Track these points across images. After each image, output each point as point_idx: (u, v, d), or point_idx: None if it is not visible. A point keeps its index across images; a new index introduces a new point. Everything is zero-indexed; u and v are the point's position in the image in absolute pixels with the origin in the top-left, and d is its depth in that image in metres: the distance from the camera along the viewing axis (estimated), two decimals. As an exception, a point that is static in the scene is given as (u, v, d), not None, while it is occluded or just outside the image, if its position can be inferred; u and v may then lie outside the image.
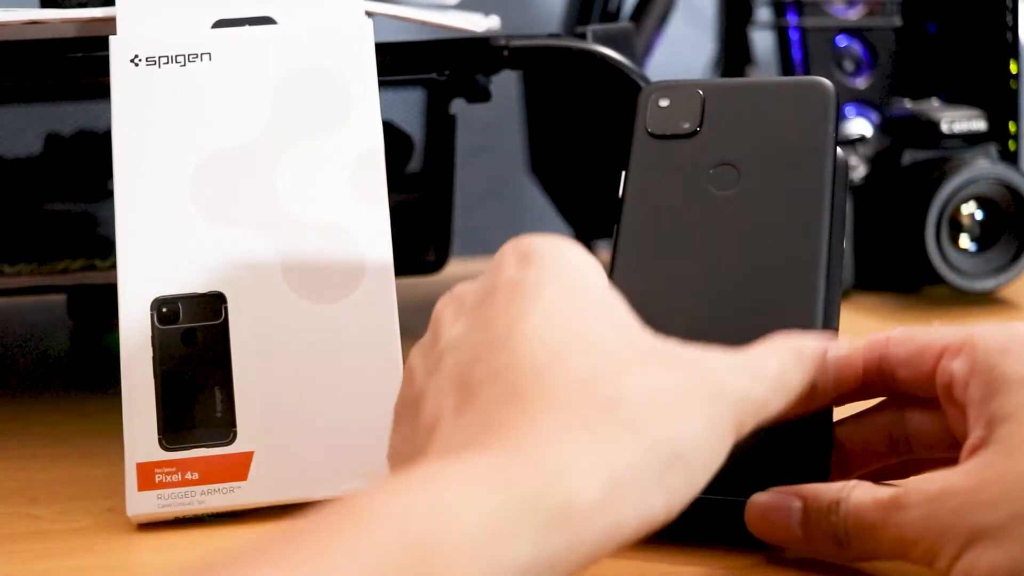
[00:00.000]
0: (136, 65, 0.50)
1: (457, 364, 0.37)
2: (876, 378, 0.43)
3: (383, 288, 0.49)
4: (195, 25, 0.51)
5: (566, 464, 0.32)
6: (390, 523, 0.30)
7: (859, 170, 0.81)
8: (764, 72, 0.93)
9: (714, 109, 0.48)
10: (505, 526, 0.31)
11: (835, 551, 0.40)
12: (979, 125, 0.79)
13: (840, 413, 0.45)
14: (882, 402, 0.44)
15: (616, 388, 0.35)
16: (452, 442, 0.35)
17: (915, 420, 0.43)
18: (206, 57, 0.51)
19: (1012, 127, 0.83)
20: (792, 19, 0.86)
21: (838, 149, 0.46)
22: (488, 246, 1.16)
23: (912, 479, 0.38)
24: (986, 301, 0.79)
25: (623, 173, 0.48)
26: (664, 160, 0.47)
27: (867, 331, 0.73)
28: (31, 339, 0.84)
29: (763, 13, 0.90)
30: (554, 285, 0.38)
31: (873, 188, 0.81)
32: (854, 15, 0.87)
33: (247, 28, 0.51)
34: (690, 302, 0.45)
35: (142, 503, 0.47)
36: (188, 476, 0.48)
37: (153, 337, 0.48)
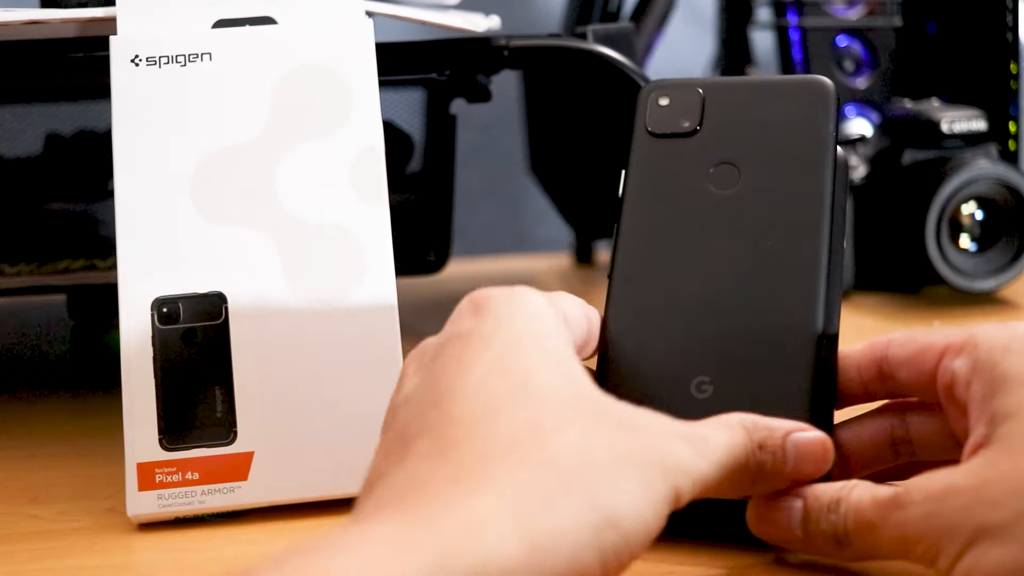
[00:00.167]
0: (136, 65, 0.50)
1: (404, 419, 0.37)
2: (877, 380, 0.43)
3: (383, 288, 0.49)
4: (195, 25, 0.51)
5: (482, 521, 0.32)
6: None
7: (859, 170, 0.81)
8: (764, 72, 0.93)
9: (714, 108, 0.48)
10: None
11: (835, 550, 0.40)
12: (979, 125, 0.79)
13: (842, 415, 0.45)
14: (884, 404, 0.44)
15: (553, 445, 0.34)
16: (374, 503, 0.34)
17: (916, 422, 0.43)
18: (206, 57, 0.51)
19: (1012, 127, 0.83)
20: (792, 19, 0.86)
21: (838, 148, 0.46)
22: (488, 246, 1.16)
23: (914, 478, 0.38)
24: (986, 301, 0.79)
25: (623, 172, 0.48)
26: (664, 159, 0.47)
27: (867, 331, 0.73)
28: (31, 339, 0.84)
29: (763, 13, 0.90)
30: (503, 336, 0.37)
31: (873, 188, 0.81)
32: (854, 15, 0.86)
33: (247, 28, 0.51)
34: (690, 302, 0.45)
35: (142, 503, 0.47)
36: (188, 476, 0.48)
37: (153, 337, 0.48)
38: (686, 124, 0.47)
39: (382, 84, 0.51)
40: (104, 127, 0.74)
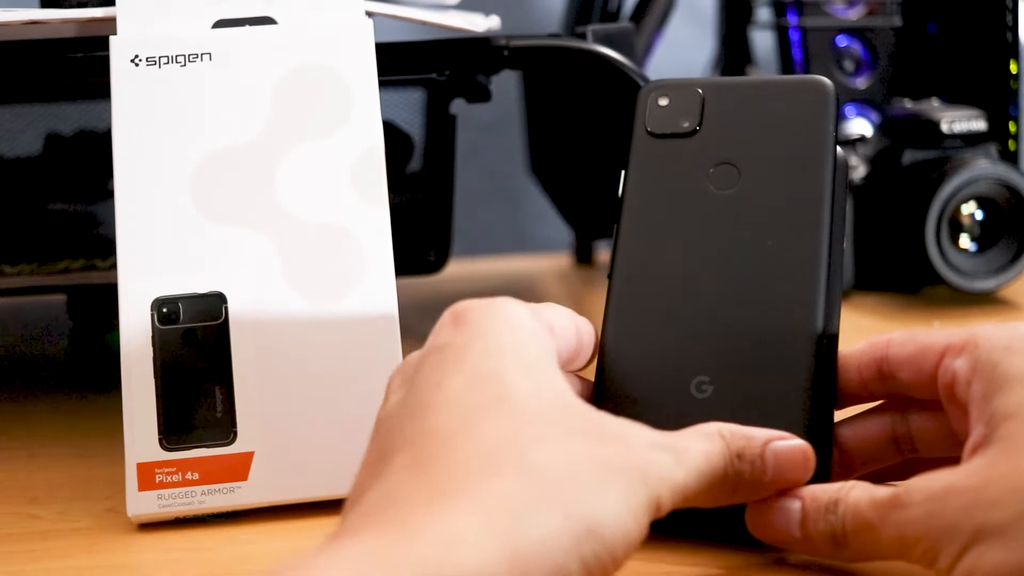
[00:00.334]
0: (136, 65, 0.50)
1: (384, 434, 0.37)
2: (877, 380, 0.43)
3: (383, 288, 0.49)
4: (195, 25, 0.51)
5: (462, 535, 0.32)
6: None
7: (859, 170, 0.81)
8: (764, 72, 0.93)
9: (714, 108, 0.47)
10: None
11: (833, 551, 0.40)
12: (979, 125, 0.79)
13: (843, 413, 0.45)
14: (884, 402, 0.44)
15: (531, 456, 0.34)
16: (353, 519, 0.34)
17: (918, 419, 0.43)
18: (206, 57, 0.51)
19: (1012, 127, 0.83)
20: (792, 19, 0.86)
21: (838, 148, 0.46)
22: (488, 246, 1.16)
23: (913, 478, 0.38)
24: (986, 301, 0.79)
25: (623, 173, 0.48)
26: (664, 159, 0.47)
27: (867, 331, 0.73)
28: (31, 339, 0.84)
29: (763, 13, 0.90)
30: (480, 348, 0.37)
31: (873, 188, 0.81)
32: (854, 15, 0.86)
33: (247, 28, 0.51)
34: (690, 302, 0.45)
35: (142, 503, 0.47)
36: (188, 476, 0.48)
37: (153, 337, 0.48)
38: (686, 124, 0.47)
39: (382, 84, 0.51)
40: (104, 127, 0.74)
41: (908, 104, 0.82)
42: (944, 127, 0.79)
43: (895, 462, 0.44)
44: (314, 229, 0.50)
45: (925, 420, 0.43)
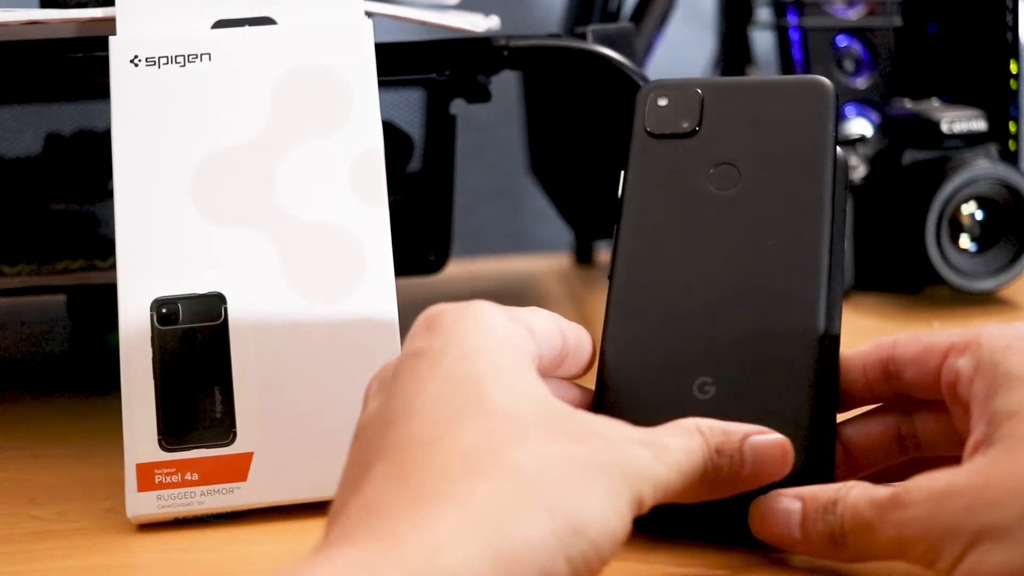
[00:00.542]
0: (136, 65, 0.50)
1: (362, 443, 0.37)
2: (883, 381, 0.43)
3: (383, 288, 0.49)
4: (195, 25, 0.51)
5: (445, 540, 0.32)
6: None
7: (859, 170, 0.81)
8: (764, 72, 0.93)
9: (713, 108, 0.47)
10: None
11: (832, 551, 0.40)
12: (979, 125, 0.79)
13: (847, 413, 0.45)
14: (889, 402, 0.44)
15: (510, 458, 0.34)
16: (337, 530, 0.34)
17: (922, 418, 0.43)
18: (206, 57, 0.51)
19: (1012, 127, 0.83)
20: (792, 19, 0.86)
21: (837, 148, 0.46)
22: (488, 246, 1.16)
23: (914, 478, 0.38)
24: (986, 301, 0.79)
25: (622, 173, 0.48)
26: (663, 160, 0.47)
27: (867, 331, 0.73)
28: (31, 339, 0.84)
29: (763, 13, 0.90)
30: (454, 352, 0.37)
31: (873, 188, 0.81)
32: (854, 15, 0.86)
33: (247, 28, 0.51)
34: (691, 302, 0.45)
35: (142, 504, 0.47)
36: (188, 477, 0.48)
37: (153, 337, 0.48)
38: (685, 124, 0.47)
39: (382, 84, 0.51)
40: (104, 127, 0.74)
41: (908, 104, 0.82)
42: (944, 127, 0.79)
43: (900, 461, 0.44)
44: (314, 229, 0.50)
45: (929, 420, 0.43)
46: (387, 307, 0.49)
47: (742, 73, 0.91)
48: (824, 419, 0.43)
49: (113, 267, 0.50)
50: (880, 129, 0.83)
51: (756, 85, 0.49)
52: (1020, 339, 0.39)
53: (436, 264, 0.79)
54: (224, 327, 0.49)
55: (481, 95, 0.68)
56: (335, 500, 0.37)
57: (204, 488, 0.48)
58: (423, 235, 0.78)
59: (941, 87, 0.86)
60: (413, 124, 0.78)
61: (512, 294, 0.90)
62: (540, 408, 0.37)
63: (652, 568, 0.42)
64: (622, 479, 0.36)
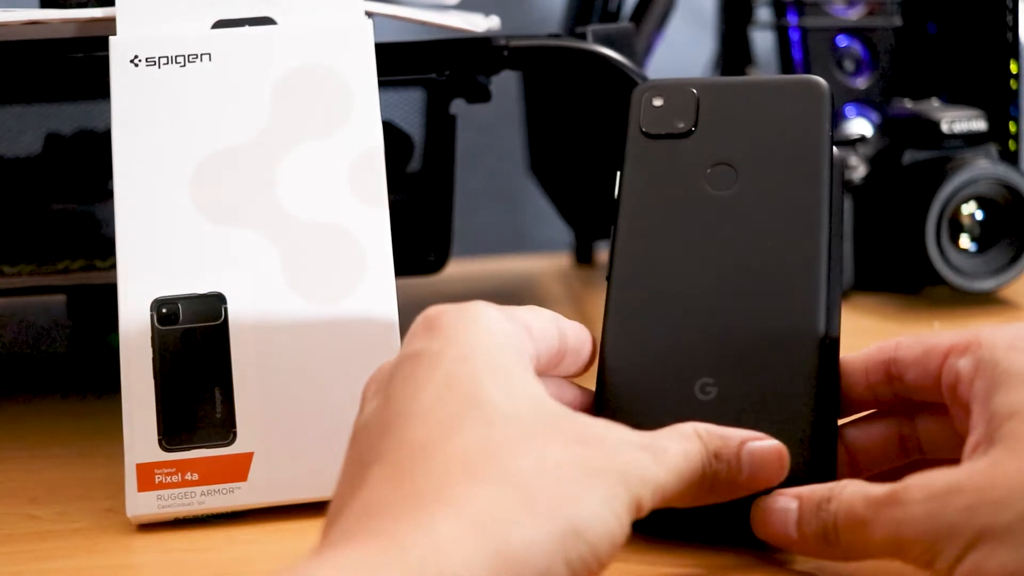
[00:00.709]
0: (136, 65, 0.50)
1: (360, 445, 0.37)
2: (885, 383, 0.43)
3: (383, 288, 0.49)
4: (195, 25, 0.51)
5: (448, 543, 0.32)
6: None
7: (859, 170, 0.81)
8: (764, 72, 0.93)
9: (708, 108, 0.47)
10: None
11: (826, 550, 0.39)
12: (979, 125, 0.79)
13: (850, 416, 0.45)
14: (892, 405, 0.44)
15: (510, 461, 0.34)
16: (337, 531, 0.34)
17: (924, 420, 0.43)
18: (206, 57, 0.51)
19: (1012, 127, 0.83)
20: (792, 19, 0.86)
21: (834, 148, 0.46)
22: (488, 246, 1.16)
23: (913, 476, 0.38)
24: (986, 301, 0.79)
25: (618, 174, 0.47)
26: (660, 160, 0.47)
27: (867, 331, 0.73)
28: (31, 339, 0.84)
29: (763, 13, 0.90)
30: (453, 353, 0.37)
31: (873, 188, 0.81)
32: (854, 15, 0.86)
33: (247, 28, 0.51)
34: (690, 303, 0.45)
35: (142, 504, 0.47)
36: (188, 477, 0.48)
37: (153, 338, 0.48)
38: (681, 125, 0.47)
39: (382, 84, 0.51)
40: (104, 127, 0.74)
41: (908, 104, 0.82)
42: (944, 127, 0.79)
43: (902, 463, 0.44)
44: (314, 229, 0.50)
45: (931, 422, 0.43)
46: (387, 307, 0.49)
47: (742, 73, 0.91)
48: (826, 419, 0.43)
49: (113, 267, 0.50)
50: (880, 129, 0.83)
51: (751, 85, 0.49)
52: (1020, 339, 0.39)
53: (436, 264, 0.79)
54: (224, 327, 0.49)
55: (481, 95, 0.68)
56: (333, 501, 0.37)
57: (204, 488, 0.48)
58: (423, 235, 0.78)
59: (941, 87, 0.86)
60: (413, 124, 0.78)
61: (512, 294, 0.90)
62: (539, 410, 0.37)
63: (653, 568, 0.42)
64: (621, 483, 0.36)
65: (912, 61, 0.87)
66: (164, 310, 0.49)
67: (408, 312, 0.46)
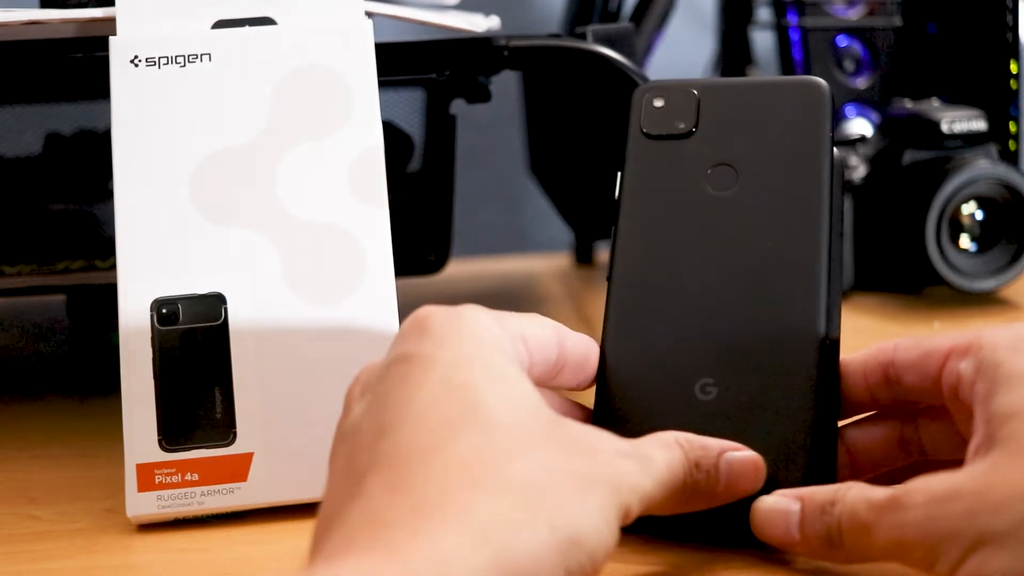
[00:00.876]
0: (136, 65, 0.50)
1: (352, 449, 0.37)
2: (883, 386, 0.43)
3: (383, 288, 0.49)
4: (195, 25, 0.51)
5: (451, 554, 0.32)
6: None
7: (859, 170, 0.81)
8: (764, 72, 0.93)
9: (709, 109, 0.47)
10: None
11: (829, 552, 0.40)
12: (979, 125, 0.79)
13: (850, 417, 0.45)
14: (892, 406, 0.44)
15: (509, 470, 0.34)
16: (335, 541, 0.34)
17: (925, 423, 0.43)
18: (206, 57, 0.51)
19: (1012, 127, 0.83)
20: (792, 19, 0.86)
21: (834, 148, 0.46)
22: (488, 246, 1.16)
23: (914, 480, 0.38)
24: (986, 301, 0.79)
25: (619, 174, 0.47)
26: (660, 161, 0.47)
27: (867, 331, 0.73)
28: (31, 339, 0.84)
29: (763, 13, 0.90)
30: (446, 358, 0.37)
31: (873, 188, 0.81)
32: (854, 15, 0.86)
33: (247, 28, 0.51)
34: (691, 303, 0.45)
35: (142, 504, 0.47)
36: (188, 477, 0.48)
37: (153, 338, 0.48)
38: (682, 126, 0.47)
39: (382, 84, 0.51)
40: (104, 127, 0.74)
41: (908, 104, 0.82)
42: (944, 127, 0.79)
43: (903, 465, 0.44)
44: (314, 229, 0.50)
45: (932, 424, 0.43)
46: (387, 307, 0.49)
47: (742, 73, 0.91)
48: (826, 419, 0.43)
49: (113, 267, 0.50)
50: (880, 129, 0.83)
51: (752, 86, 0.49)
52: (1021, 340, 0.39)
53: (436, 264, 0.79)
54: (224, 327, 0.49)
55: (481, 95, 0.68)
56: (325, 507, 0.36)
57: (204, 488, 0.48)
58: (423, 235, 0.78)
59: (941, 87, 0.86)
60: (413, 124, 0.78)
61: (512, 294, 0.90)
62: (535, 417, 0.37)
63: (652, 568, 0.42)
64: (613, 492, 0.36)
65: (912, 61, 0.87)
66: (164, 310, 0.49)
67: (408, 312, 0.46)
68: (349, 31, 0.51)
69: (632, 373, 0.44)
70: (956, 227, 0.78)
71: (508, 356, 0.39)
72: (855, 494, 0.39)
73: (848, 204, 0.80)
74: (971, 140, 0.79)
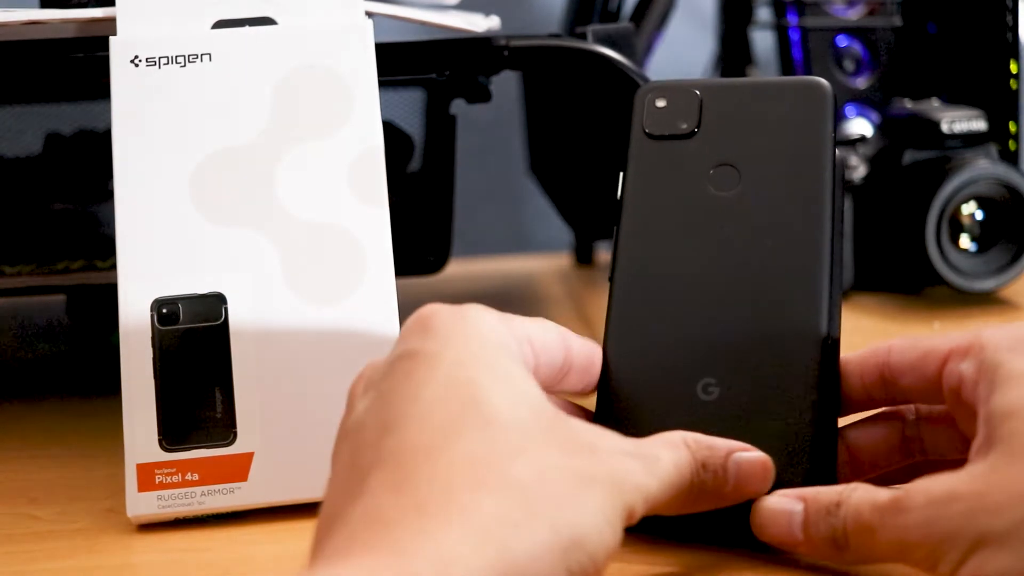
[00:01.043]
0: (136, 65, 0.50)
1: (355, 447, 0.37)
2: (880, 387, 0.43)
3: (383, 288, 0.49)
4: (195, 25, 0.51)
5: (454, 555, 0.32)
6: None
7: (859, 170, 0.81)
8: (764, 72, 0.93)
9: (711, 109, 0.47)
10: None
11: (834, 554, 0.40)
12: (979, 125, 0.79)
13: (852, 416, 0.45)
14: (893, 406, 0.44)
15: (512, 471, 0.34)
16: (337, 540, 0.34)
17: (927, 423, 0.43)
18: (206, 57, 0.51)
19: (1012, 127, 0.83)
20: (792, 19, 0.86)
21: (836, 149, 0.46)
22: (488, 246, 1.16)
23: (915, 482, 0.38)
24: (986, 301, 0.79)
25: (621, 174, 0.47)
26: (662, 161, 0.47)
27: (868, 331, 0.73)
28: (31, 339, 0.84)
29: (763, 13, 0.90)
30: (451, 357, 0.37)
31: (873, 188, 0.81)
32: (854, 15, 0.86)
33: (247, 28, 0.51)
34: (693, 304, 0.45)
35: (142, 504, 0.47)
36: (188, 477, 0.48)
37: (153, 337, 0.48)
38: (684, 126, 0.47)
39: (382, 84, 0.51)
40: (104, 127, 0.74)
41: (908, 104, 0.82)
42: (944, 127, 0.79)
43: (904, 464, 0.44)
44: (314, 229, 0.50)
45: (934, 423, 0.43)
46: (387, 307, 0.49)
47: (742, 73, 0.91)
48: (827, 419, 0.43)
49: (113, 267, 0.50)
50: (880, 129, 0.83)
51: (754, 86, 0.49)
52: (1021, 340, 0.39)
53: (436, 264, 0.79)
54: (224, 327, 0.49)
55: (481, 95, 0.68)
56: (327, 505, 0.36)
57: (204, 488, 0.48)
58: (423, 235, 0.78)
59: (941, 87, 0.86)
60: (413, 124, 0.78)
61: (512, 294, 0.90)
62: (538, 416, 0.36)
63: (652, 568, 0.42)
64: (616, 492, 0.36)
65: (912, 61, 0.87)
66: (164, 310, 0.49)
67: (408, 312, 0.46)
68: (349, 31, 0.51)
69: (634, 373, 0.44)
70: (956, 227, 0.78)
71: (512, 356, 0.39)
72: (859, 496, 0.39)
73: (848, 204, 0.80)
74: (971, 140, 0.79)
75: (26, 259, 0.70)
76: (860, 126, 0.83)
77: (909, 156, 0.79)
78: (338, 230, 0.50)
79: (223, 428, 0.48)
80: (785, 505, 0.41)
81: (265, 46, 0.51)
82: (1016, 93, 0.83)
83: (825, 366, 0.43)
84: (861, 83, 0.86)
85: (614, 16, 0.85)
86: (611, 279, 0.46)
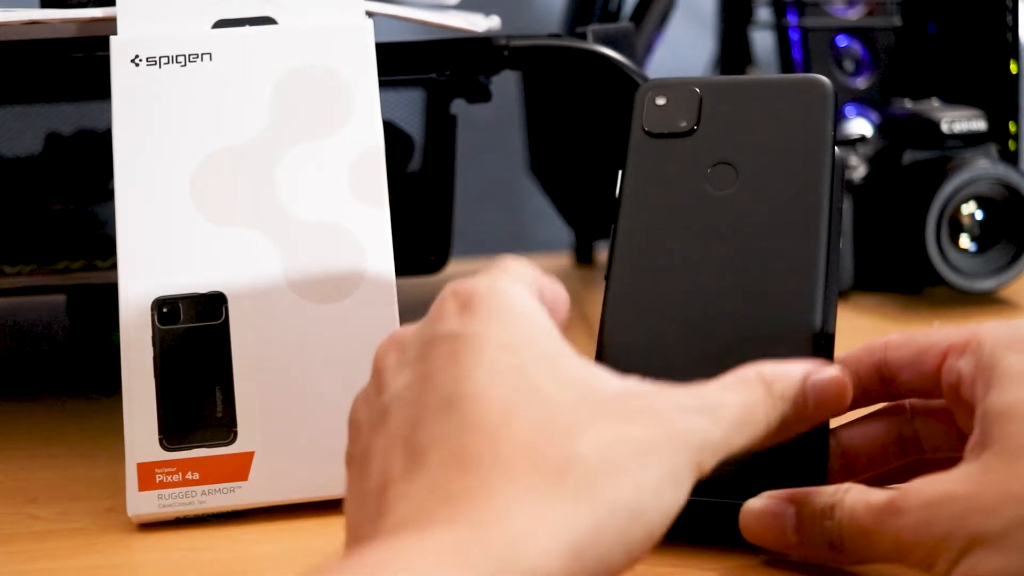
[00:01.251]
0: (136, 65, 0.50)
1: (403, 424, 0.36)
2: (877, 384, 0.43)
3: (383, 288, 0.49)
4: (195, 25, 0.51)
5: (525, 535, 0.32)
6: None
7: (859, 170, 0.81)
8: (764, 72, 0.93)
9: (711, 107, 0.47)
10: None
11: (829, 556, 0.40)
12: (979, 125, 0.79)
13: (847, 416, 0.45)
14: (889, 404, 0.44)
15: (569, 448, 0.34)
16: (403, 513, 0.34)
17: (923, 420, 0.43)
18: (206, 57, 0.51)
19: (1012, 127, 0.83)
20: (792, 19, 0.86)
21: (835, 148, 0.46)
22: (488, 246, 1.16)
23: (910, 483, 0.38)
24: (986, 301, 0.79)
25: (620, 173, 0.48)
26: (661, 159, 0.47)
27: (867, 331, 0.73)
28: (31, 339, 0.84)
29: (763, 13, 0.90)
30: (497, 338, 0.37)
31: (873, 188, 0.81)
32: (854, 15, 0.86)
33: (247, 28, 0.51)
34: (689, 302, 0.45)
35: (143, 503, 0.47)
36: (189, 476, 0.48)
37: (153, 337, 0.48)
38: (683, 124, 0.47)
39: (382, 84, 0.51)
40: (104, 127, 0.74)
41: (908, 104, 0.82)
42: (944, 127, 0.79)
43: (900, 463, 0.44)
44: (314, 229, 0.50)
45: (930, 421, 0.43)
46: (387, 307, 0.49)
47: (742, 73, 0.91)
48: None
49: (113, 267, 0.50)
50: (880, 129, 0.83)
51: (754, 84, 0.49)
52: (1019, 338, 0.39)
53: (436, 264, 0.79)
54: (225, 327, 0.49)
55: (481, 95, 0.68)
56: (376, 477, 0.36)
57: (205, 487, 0.48)
58: (423, 235, 0.78)
59: (941, 87, 0.86)
60: (413, 124, 0.78)
61: (512, 294, 0.90)
62: (589, 391, 0.36)
63: (650, 569, 0.42)
64: (679, 453, 0.35)
65: (912, 61, 0.87)
66: (165, 309, 0.49)
67: (408, 312, 0.46)
68: (349, 31, 0.51)
69: (629, 371, 0.44)
70: (956, 227, 0.78)
71: (550, 332, 0.38)
72: (853, 498, 0.39)
73: (848, 204, 0.80)
74: (971, 140, 0.79)
75: (26, 259, 0.70)
76: (860, 126, 0.84)
77: (909, 156, 0.79)
78: (338, 230, 0.50)
79: (223, 427, 0.48)
80: (774, 508, 0.40)
81: (265, 46, 0.51)
82: (1016, 93, 0.83)
83: (819, 362, 0.43)
84: (861, 83, 0.86)
85: (614, 16, 0.85)
86: (607, 277, 0.46)
